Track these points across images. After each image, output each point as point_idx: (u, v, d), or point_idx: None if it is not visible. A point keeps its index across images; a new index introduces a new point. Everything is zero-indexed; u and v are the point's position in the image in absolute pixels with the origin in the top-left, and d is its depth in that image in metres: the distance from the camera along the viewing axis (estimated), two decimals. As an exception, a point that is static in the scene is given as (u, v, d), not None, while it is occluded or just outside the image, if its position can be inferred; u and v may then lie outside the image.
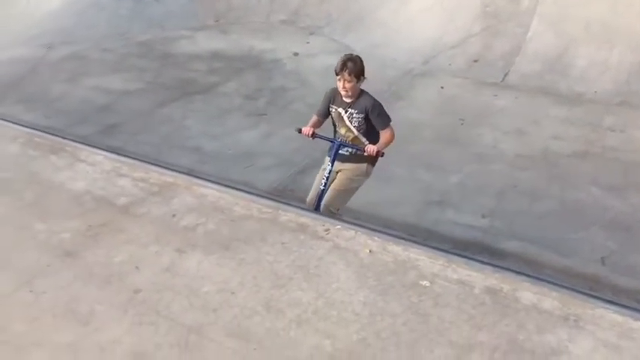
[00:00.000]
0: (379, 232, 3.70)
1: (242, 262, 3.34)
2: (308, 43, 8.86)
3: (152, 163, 4.55)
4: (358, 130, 3.98)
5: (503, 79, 7.65)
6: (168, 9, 9.90)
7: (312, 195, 4.19)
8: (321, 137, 4.11)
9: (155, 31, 9.25)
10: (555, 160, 5.74)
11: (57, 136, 5.01)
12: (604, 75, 7.31)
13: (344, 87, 3.85)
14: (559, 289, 3.18)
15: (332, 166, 4.08)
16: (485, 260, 3.55)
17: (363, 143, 3.97)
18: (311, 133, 4.06)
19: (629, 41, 7.43)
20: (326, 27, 9.34)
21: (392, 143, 3.98)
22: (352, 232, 3.61)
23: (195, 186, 4.16)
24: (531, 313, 2.96)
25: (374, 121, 3.94)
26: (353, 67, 3.80)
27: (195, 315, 2.95)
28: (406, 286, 3.16)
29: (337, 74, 3.85)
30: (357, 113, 3.92)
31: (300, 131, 4.10)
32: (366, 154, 3.92)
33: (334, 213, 4.11)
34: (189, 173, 4.56)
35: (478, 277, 3.23)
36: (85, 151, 4.66)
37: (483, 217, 4.77)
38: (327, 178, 4.09)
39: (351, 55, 3.93)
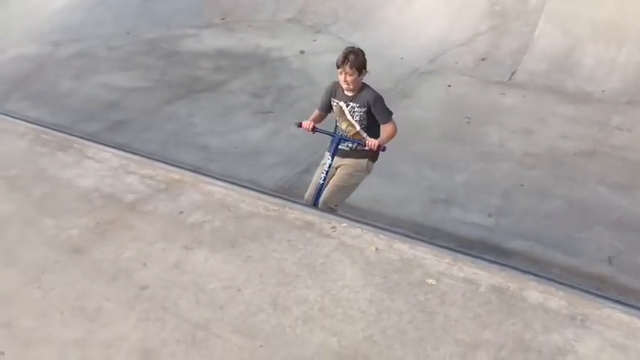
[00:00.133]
0: (385, 230, 3.70)
1: (248, 259, 3.35)
2: (314, 41, 8.85)
3: (159, 160, 4.56)
4: (360, 125, 3.93)
5: (511, 77, 7.62)
6: (174, 7, 9.91)
7: (310, 190, 4.15)
8: (322, 131, 4.06)
9: (161, 29, 9.27)
10: (562, 159, 5.72)
11: (65, 132, 5.03)
12: (612, 74, 7.27)
13: (345, 80, 3.81)
14: (566, 288, 3.17)
15: (332, 160, 4.02)
16: (491, 259, 3.54)
17: (364, 139, 3.93)
18: (311, 127, 4.01)
19: (638, 40, 7.39)
20: (332, 25, 9.33)
21: (394, 138, 3.93)
22: (358, 230, 3.61)
23: (201, 183, 4.17)
24: (538, 312, 2.96)
25: (376, 114, 3.88)
26: (354, 59, 3.76)
27: (202, 311, 2.96)
28: (412, 284, 3.16)
29: (338, 67, 3.81)
30: (358, 107, 3.87)
31: (300, 125, 4.06)
32: (367, 148, 3.87)
33: (333, 209, 4.06)
34: (196, 170, 4.57)
35: (484, 275, 3.23)
36: (93, 148, 4.67)
37: (490, 215, 4.76)
38: (327, 172, 4.04)
39: (353, 47, 3.89)
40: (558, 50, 7.73)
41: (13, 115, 5.50)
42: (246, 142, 6.00)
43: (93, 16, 9.34)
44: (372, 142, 3.84)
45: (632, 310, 3.00)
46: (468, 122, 6.47)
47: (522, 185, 5.23)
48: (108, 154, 4.58)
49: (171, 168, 4.41)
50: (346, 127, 4.00)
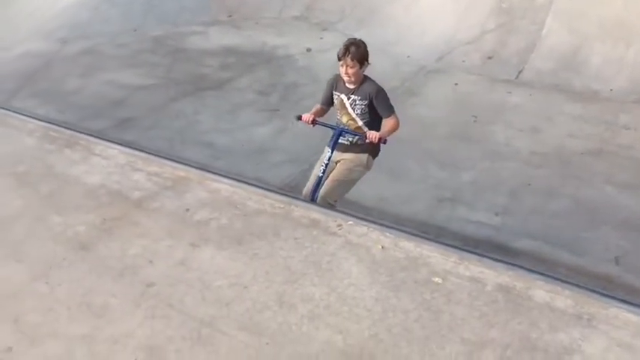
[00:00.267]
0: (391, 228, 3.69)
1: (255, 256, 3.36)
2: (321, 38, 8.85)
3: (166, 158, 4.57)
4: (361, 119, 3.87)
5: (518, 76, 7.60)
6: (181, 4, 9.92)
7: (309, 185, 4.10)
8: (322, 124, 4.01)
9: (168, 27, 9.29)
10: (569, 158, 5.70)
11: (72, 130, 5.05)
12: (619, 73, 7.24)
13: (346, 72, 3.75)
14: (572, 287, 3.15)
15: (331, 153, 3.96)
16: (497, 258, 3.53)
17: (364, 132, 3.86)
18: (311, 119, 3.95)
19: (646, 39, 7.36)
20: (339, 23, 9.32)
21: (396, 132, 3.86)
22: (364, 228, 3.61)
23: (208, 180, 4.18)
24: (544, 312, 2.95)
25: (378, 107, 3.82)
26: (356, 51, 3.70)
27: (208, 309, 2.97)
28: (418, 282, 3.16)
29: (340, 59, 3.75)
30: (360, 100, 3.81)
31: (299, 118, 4.01)
32: (367, 140, 3.80)
33: (332, 205, 4.01)
34: (203, 168, 4.58)
35: (491, 274, 3.22)
36: (100, 145, 4.69)
37: (496, 214, 4.75)
38: (326, 165, 3.98)
39: (355, 39, 3.82)
40: (566, 49, 7.71)
41: (21, 113, 5.52)
42: (252, 140, 6.00)
43: (100, 13, 9.36)
44: (372, 134, 3.77)
45: (639, 310, 2.99)
46: (475, 121, 6.46)
47: (529, 184, 5.22)
48: (115, 151, 4.59)
49: (178, 165, 4.41)
50: (347, 121, 3.92)
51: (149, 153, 4.64)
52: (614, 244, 4.41)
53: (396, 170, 5.32)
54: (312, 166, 5.31)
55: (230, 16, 9.98)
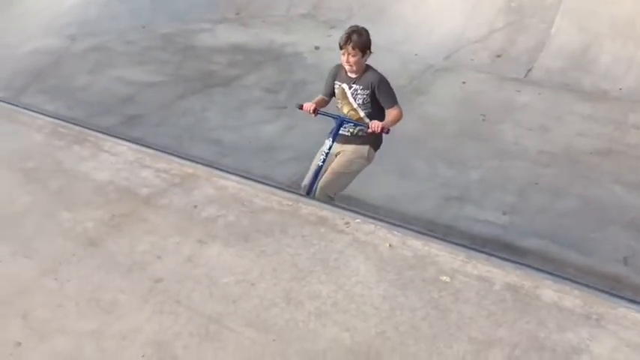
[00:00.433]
0: (399, 226, 3.68)
1: (262, 253, 3.36)
2: (329, 36, 8.82)
3: (174, 154, 4.58)
4: (362, 109, 3.79)
5: (527, 74, 7.57)
6: (189, 2, 9.94)
7: (308, 175, 4.05)
8: (324, 114, 3.95)
9: (176, 24, 9.30)
10: (578, 158, 5.68)
11: (81, 126, 5.07)
12: (629, 72, 7.19)
13: (348, 61, 3.68)
14: (581, 287, 3.14)
15: (332, 142, 3.89)
16: (506, 257, 3.52)
17: (367, 123, 3.78)
18: (312, 109, 3.88)
19: (656, 38, 7.31)
20: (347, 21, 9.26)
21: (399, 122, 3.78)
22: (372, 226, 3.61)
23: (215, 177, 4.19)
24: (552, 311, 2.94)
25: (379, 98, 3.73)
26: (358, 39, 3.62)
27: (215, 305, 2.98)
28: (426, 280, 3.15)
29: (341, 47, 3.67)
30: (361, 89, 3.74)
31: (301, 107, 3.94)
32: (370, 130, 3.72)
33: (331, 198, 3.95)
34: (210, 165, 4.59)
35: (499, 273, 3.21)
36: (108, 142, 4.70)
37: (504, 213, 4.74)
38: (327, 154, 3.91)
39: (357, 26, 3.73)
40: (575, 47, 7.66)
41: (30, 109, 5.54)
42: (260, 138, 6.01)
43: (109, 10, 9.39)
44: (375, 124, 3.69)
45: (648, 310, 2.98)
46: (483, 119, 6.43)
47: (537, 183, 5.20)
48: (123, 148, 4.61)
49: (186, 162, 4.42)
50: (348, 112, 3.86)
51: (157, 150, 4.65)
52: (622, 244, 4.39)
53: (404, 169, 5.32)
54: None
55: (238, 13, 9.99)
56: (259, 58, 8.16)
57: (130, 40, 8.66)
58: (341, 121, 3.88)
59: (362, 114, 3.84)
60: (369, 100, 3.78)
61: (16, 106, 5.67)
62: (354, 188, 4.46)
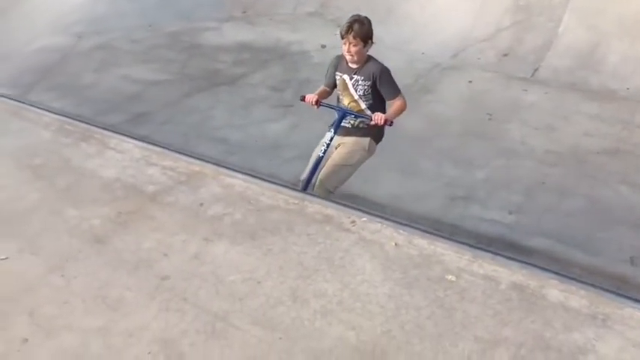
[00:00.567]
0: (405, 225, 3.68)
1: (268, 252, 3.37)
2: (336, 35, 8.76)
3: (180, 152, 4.60)
4: (364, 101, 3.74)
5: (534, 74, 7.53)
6: (196, 0, 9.95)
7: (308, 166, 4.01)
8: (326, 105, 3.91)
9: (183, 22, 9.32)
10: (585, 157, 5.65)
11: (88, 123, 5.09)
12: (637, 71, 7.14)
13: (349, 51, 3.61)
14: (587, 287, 3.13)
15: (334, 134, 3.84)
16: (511, 256, 3.51)
17: (369, 116, 3.73)
18: (315, 100, 3.83)
19: (664, 37, 7.27)
20: (354, 19, 9.29)
21: (402, 113, 3.72)
22: (378, 225, 3.61)
23: (222, 175, 4.20)
24: (558, 311, 2.93)
25: (381, 89, 3.67)
26: (359, 29, 3.57)
27: (222, 303, 2.99)
28: (432, 279, 3.15)
29: (342, 37, 3.61)
30: (362, 80, 3.69)
31: (303, 99, 3.89)
32: (372, 122, 3.67)
33: (330, 192, 3.91)
34: (217, 163, 4.59)
35: (504, 272, 3.20)
36: (115, 139, 4.72)
37: (510, 213, 4.73)
38: (328, 145, 3.85)
39: (359, 15, 3.67)
40: (583, 46, 7.62)
41: (37, 106, 5.57)
42: (266, 136, 6.01)
43: (115, 8, 9.41)
44: (378, 116, 3.62)
45: (655, 311, 2.96)
46: (490, 118, 6.42)
47: (543, 183, 5.18)
48: (130, 145, 4.62)
49: (192, 160, 4.43)
50: (348, 103, 3.81)
51: (164, 147, 4.67)
52: (628, 245, 4.37)
53: (410, 168, 5.31)
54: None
55: (244, 12, 9.99)
56: (265, 57, 8.17)
57: (136, 39, 8.69)
58: (343, 113, 3.85)
59: (363, 106, 3.79)
60: (370, 91, 3.72)
61: (24, 103, 5.71)
62: (359, 186, 4.48)
